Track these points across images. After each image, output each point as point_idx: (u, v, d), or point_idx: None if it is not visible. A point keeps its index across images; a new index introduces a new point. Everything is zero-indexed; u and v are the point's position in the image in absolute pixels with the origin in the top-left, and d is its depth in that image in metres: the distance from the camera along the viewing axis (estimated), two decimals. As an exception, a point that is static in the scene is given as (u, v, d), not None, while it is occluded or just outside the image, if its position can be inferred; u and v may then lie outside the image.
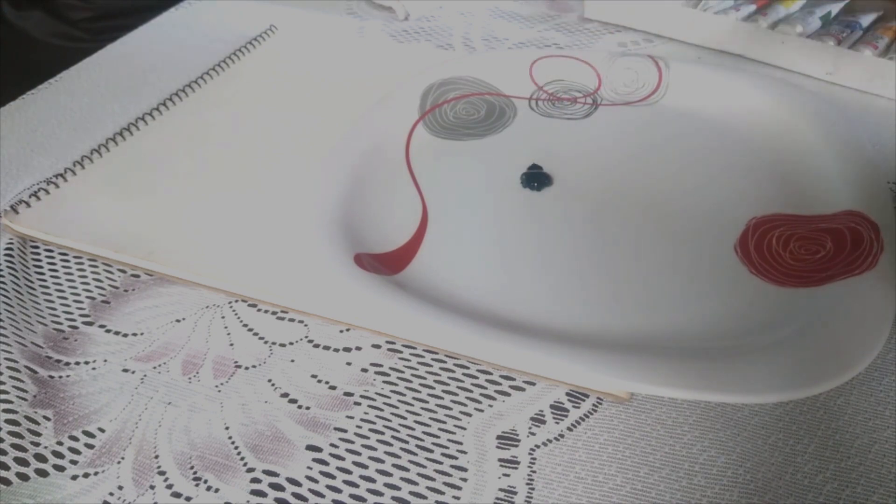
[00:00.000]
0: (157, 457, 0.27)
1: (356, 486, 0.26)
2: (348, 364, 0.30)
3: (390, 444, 0.27)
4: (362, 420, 0.28)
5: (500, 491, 0.26)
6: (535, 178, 0.38)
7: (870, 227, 0.31)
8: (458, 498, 0.25)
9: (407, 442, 0.27)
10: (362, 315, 0.31)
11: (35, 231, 0.36)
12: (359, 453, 0.27)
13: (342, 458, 0.27)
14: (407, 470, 0.26)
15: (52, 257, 0.36)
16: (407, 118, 0.43)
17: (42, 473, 0.27)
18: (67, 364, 0.31)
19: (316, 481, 0.26)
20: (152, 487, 0.26)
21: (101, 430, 0.28)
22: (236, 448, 0.27)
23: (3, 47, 0.84)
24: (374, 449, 0.27)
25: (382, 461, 0.27)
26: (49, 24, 0.85)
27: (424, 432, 0.28)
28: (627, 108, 0.43)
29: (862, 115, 0.42)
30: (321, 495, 0.26)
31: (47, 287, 0.35)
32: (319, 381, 0.30)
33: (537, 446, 0.27)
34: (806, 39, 0.46)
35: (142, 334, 0.32)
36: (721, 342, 0.29)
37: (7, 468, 0.27)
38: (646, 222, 0.35)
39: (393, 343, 0.31)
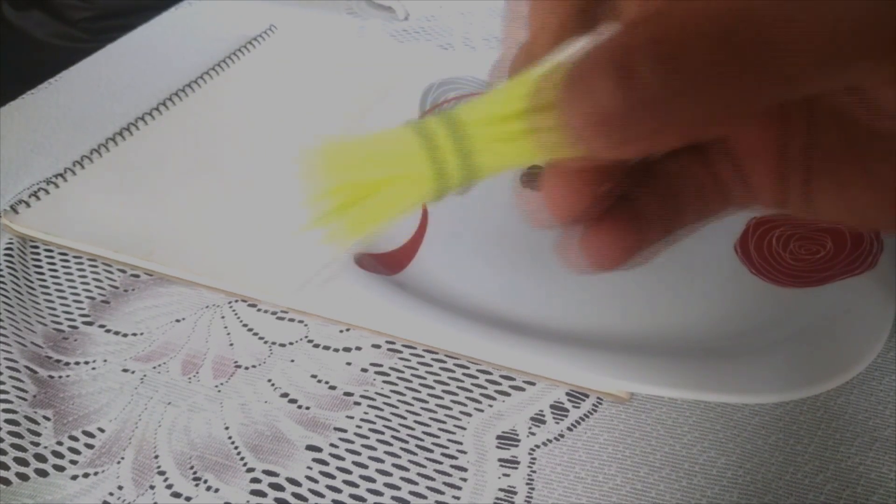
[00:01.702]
0: (156, 457, 0.27)
1: (356, 486, 0.26)
2: (348, 364, 0.30)
3: (390, 444, 0.27)
4: (362, 420, 0.28)
5: (499, 491, 0.26)
6: (536, 178, 0.38)
7: (870, 226, 0.31)
8: (457, 498, 0.25)
9: (407, 442, 0.27)
10: (362, 315, 0.31)
11: (35, 231, 0.36)
12: (359, 453, 0.27)
13: (342, 458, 0.27)
14: (407, 470, 0.26)
15: (52, 257, 0.36)
16: (407, 118, 0.43)
17: (42, 473, 0.27)
18: (67, 364, 0.31)
19: (316, 481, 0.26)
20: (152, 487, 0.26)
21: (101, 430, 0.28)
22: (236, 448, 0.27)
23: (3, 47, 0.84)
24: (374, 449, 0.27)
25: (382, 461, 0.27)
26: (49, 24, 0.85)
27: (424, 432, 0.28)
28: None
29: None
30: (321, 495, 0.26)
31: (47, 287, 0.34)
32: (319, 381, 0.30)
33: (537, 446, 0.27)
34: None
35: (141, 334, 0.32)
36: (721, 342, 0.29)
37: (7, 468, 0.27)
38: (646, 222, 0.35)
39: (393, 343, 0.31)
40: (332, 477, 0.26)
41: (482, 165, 0.14)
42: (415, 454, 0.27)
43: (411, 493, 0.26)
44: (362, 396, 0.29)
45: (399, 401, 0.29)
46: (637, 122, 0.13)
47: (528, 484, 0.26)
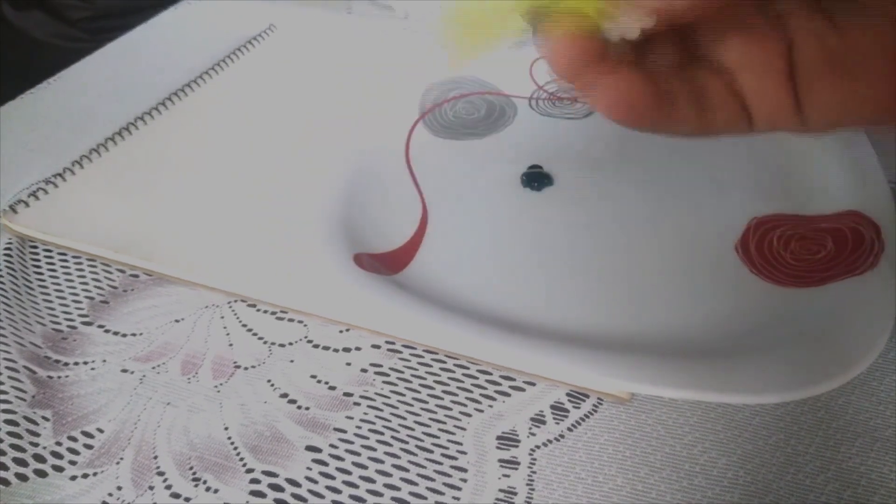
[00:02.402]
0: (156, 457, 0.27)
1: (356, 486, 0.26)
2: (348, 364, 0.30)
3: (390, 445, 0.27)
4: (362, 420, 0.28)
5: (500, 491, 0.25)
6: (536, 178, 0.38)
7: (871, 227, 0.31)
8: (457, 499, 0.25)
9: (407, 442, 0.27)
10: (362, 315, 0.31)
11: (34, 231, 0.36)
12: (358, 454, 0.27)
13: (342, 459, 0.27)
14: (407, 470, 0.26)
15: (51, 257, 0.36)
16: (407, 117, 0.43)
17: (41, 474, 0.27)
18: (66, 364, 0.31)
19: (315, 482, 0.26)
20: (151, 488, 0.26)
21: (100, 431, 0.28)
22: (235, 448, 0.27)
23: (3, 47, 0.84)
24: (374, 449, 0.27)
25: (382, 462, 0.27)
26: (49, 24, 0.85)
27: (424, 433, 0.28)
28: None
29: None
30: (320, 496, 0.26)
31: (46, 287, 0.34)
32: (319, 382, 0.30)
33: (537, 447, 0.27)
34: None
35: (141, 334, 0.32)
36: (721, 342, 0.29)
37: (6, 468, 0.27)
38: (646, 222, 0.35)
39: (393, 343, 0.31)
40: (332, 478, 0.26)
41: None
42: (415, 455, 0.27)
43: (411, 493, 0.26)
44: (362, 397, 0.29)
45: (399, 401, 0.29)
46: None
47: (528, 484, 0.26)
